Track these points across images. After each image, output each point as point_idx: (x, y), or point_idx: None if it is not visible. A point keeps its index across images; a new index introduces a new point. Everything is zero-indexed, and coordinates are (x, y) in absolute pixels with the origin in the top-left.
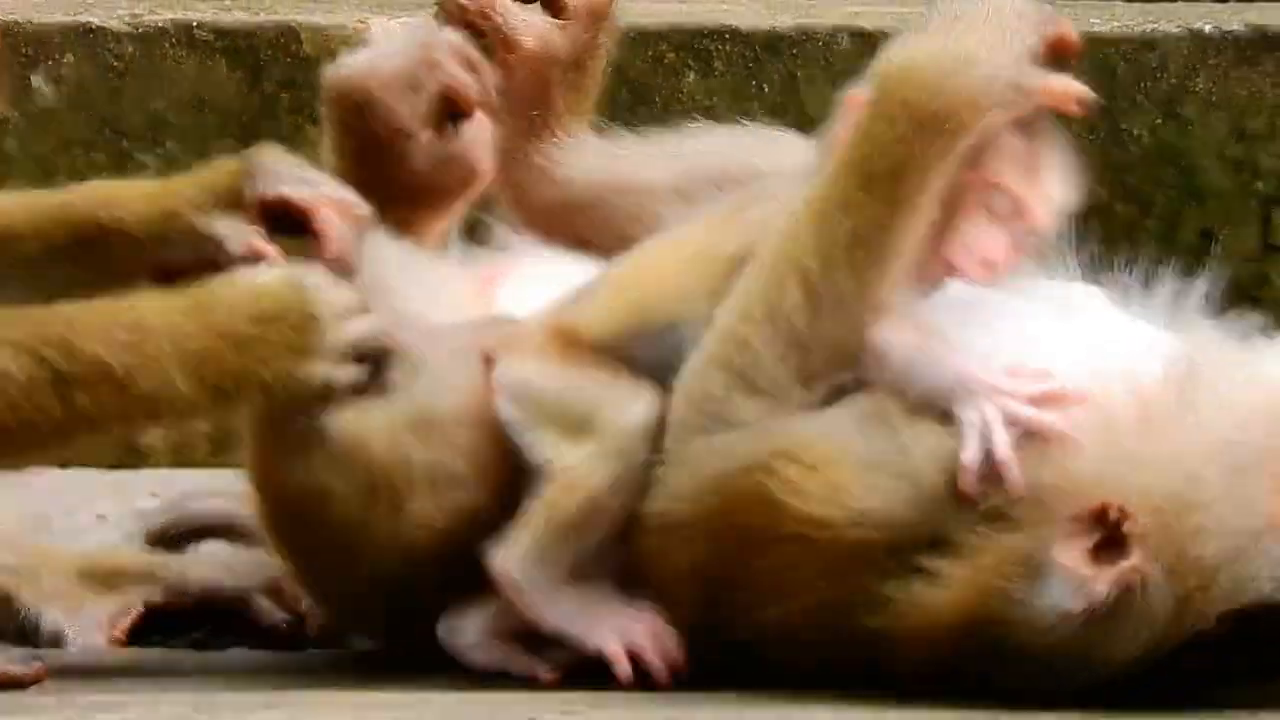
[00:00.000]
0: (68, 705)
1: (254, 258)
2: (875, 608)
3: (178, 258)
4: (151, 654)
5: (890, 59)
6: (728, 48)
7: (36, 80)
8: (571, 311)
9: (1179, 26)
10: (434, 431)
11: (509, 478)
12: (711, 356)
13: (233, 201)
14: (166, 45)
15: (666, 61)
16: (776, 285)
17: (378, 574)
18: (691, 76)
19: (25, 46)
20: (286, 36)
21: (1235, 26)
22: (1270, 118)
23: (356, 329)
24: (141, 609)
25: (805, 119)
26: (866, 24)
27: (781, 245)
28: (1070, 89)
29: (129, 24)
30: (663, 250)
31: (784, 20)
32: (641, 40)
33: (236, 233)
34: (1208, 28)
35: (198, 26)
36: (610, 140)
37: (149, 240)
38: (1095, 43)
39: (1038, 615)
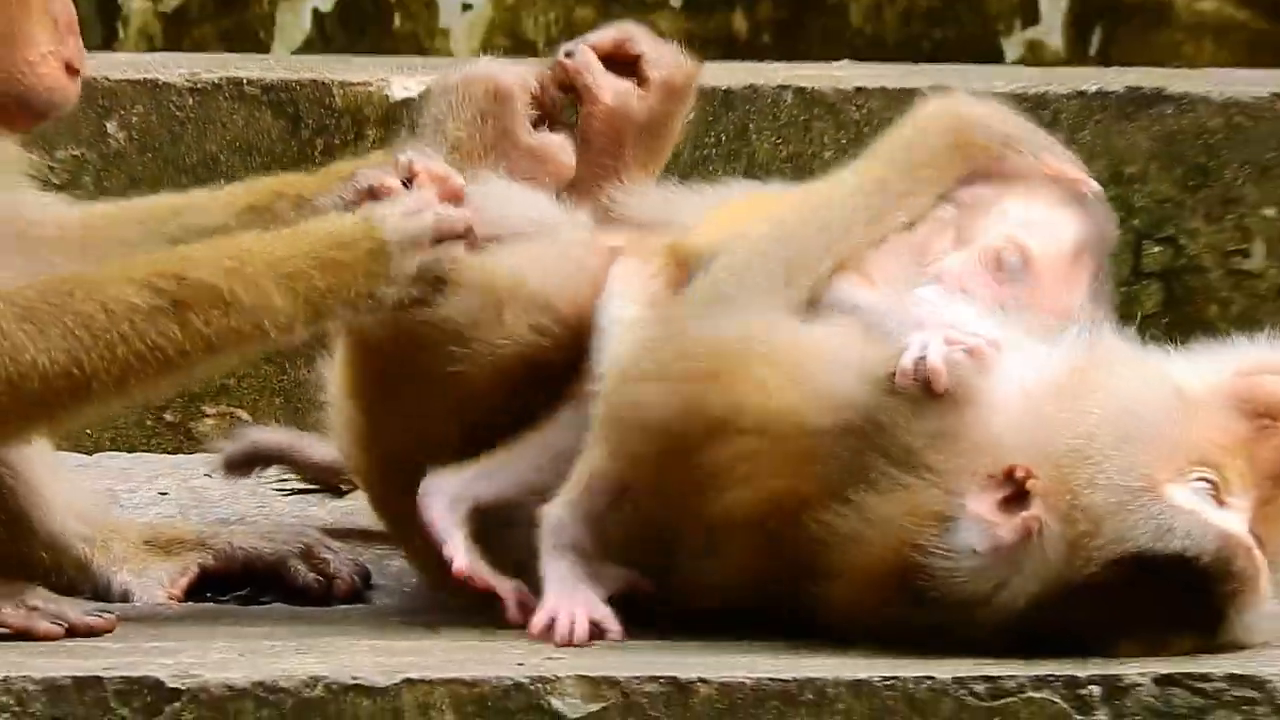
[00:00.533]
0: (134, 650)
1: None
2: (814, 529)
3: None
4: (204, 608)
5: (951, 100)
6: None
7: (110, 127)
8: (682, 235)
9: (1068, 88)
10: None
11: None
12: (730, 257)
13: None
14: (220, 98)
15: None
16: (800, 218)
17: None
18: None
19: (101, 98)
20: (321, 91)
21: (1115, 88)
22: (1144, 164)
23: (422, 257)
24: (196, 571)
25: (754, 164)
26: (806, 83)
27: (818, 191)
28: (1069, 169)
29: (188, 80)
30: (747, 201)
31: (738, 79)
32: None
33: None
34: (1092, 88)
35: (247, 83)
36: (663, 189)
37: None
38: (997, 100)
39: (949, 556)
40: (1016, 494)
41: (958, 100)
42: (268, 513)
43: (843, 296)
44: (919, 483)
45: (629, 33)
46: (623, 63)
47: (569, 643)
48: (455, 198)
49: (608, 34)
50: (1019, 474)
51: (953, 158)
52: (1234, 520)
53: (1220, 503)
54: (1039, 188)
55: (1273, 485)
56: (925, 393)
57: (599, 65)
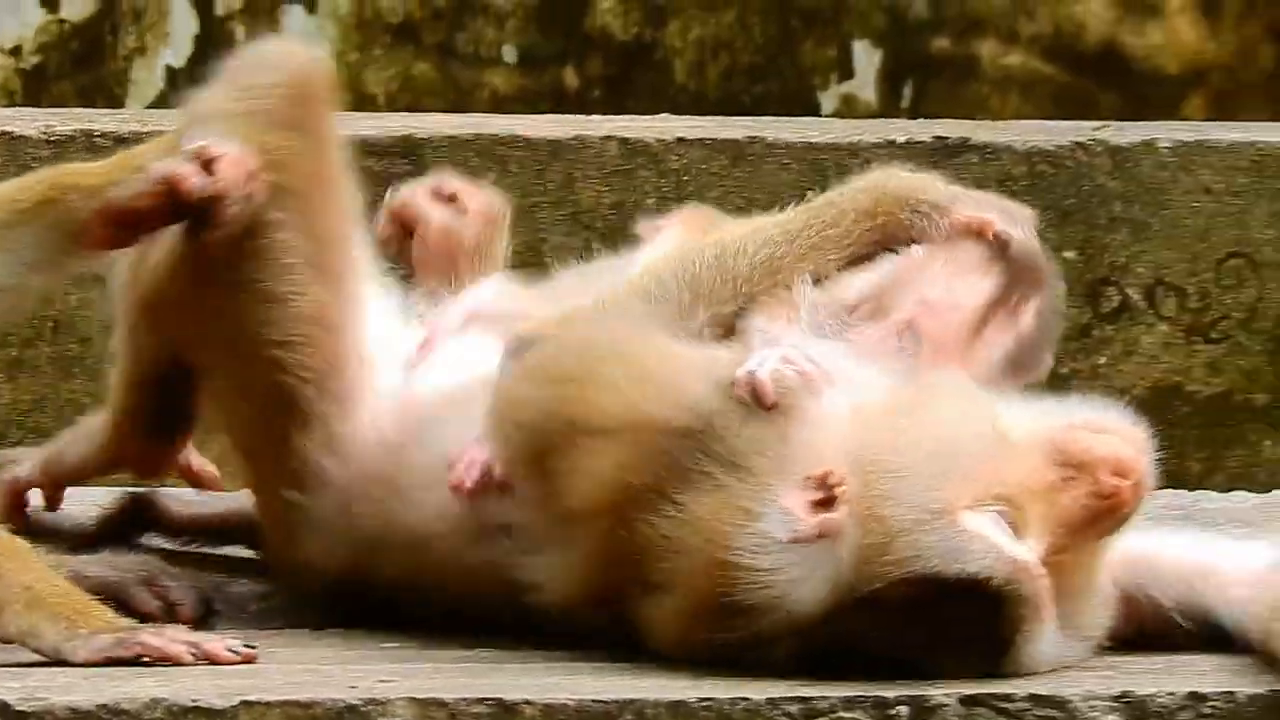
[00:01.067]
0: None
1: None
2: (645, 532)
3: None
4: None
5: (884, 171)
6: (519, 153)
7: None
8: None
9: (879, 138)
10: None
11: None
12: (631, 281)
13: None
14: (73, 150)
15: (472, 164)
16: (706, 255)
17: None
18: (492, 176)
19: None
20: None
21: (923, 137)
22: None
23: None
24: None
25: (580, 211)
26: (630, 134)
27: (733, 232)
28: (982, 221)
29: (43, 133)
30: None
31: (565, 130)
32: (452, 147)
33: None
34: (901, 138)
35: (99, 135)
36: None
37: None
38: (811, 149)
39: (755, 550)
40: (827, 499)
41: (890, 171)
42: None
43: (748, 328)
44: (737, 484)
45: (443, 178)
46: (444, 199)
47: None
48: (254, 181)
49: (426, 181)
50: (831, 479)
51: (862, 222)
52: (1027, 551)
53: (1017, 537)
54: (958, 253)
55: (1066, 534)
56: (755, 402)
57: (426, 197)
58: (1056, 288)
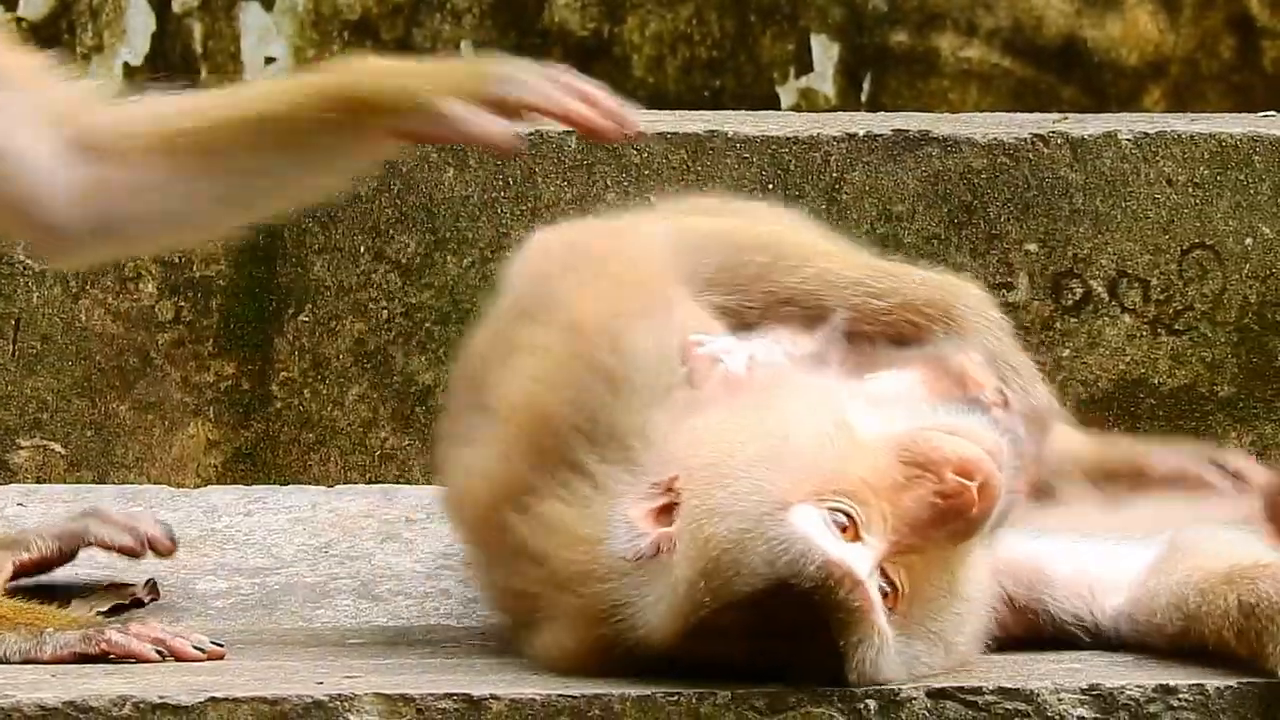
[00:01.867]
0: None
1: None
2: (522, 532)
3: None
4: None
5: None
6: (479, 148)
7: None
8: None
9: (838, 131)
10: None
11: None
12: None
13: (473, 94)
14: None
15: (431, 160)
16: (769, 259)
17: None
18: (451, 172)
19: None
20: None
21: (883, 130)
22: (912, 203)
23: None
24: (11, 567)
25: (540, 206)
26: None
27: (799, 249)
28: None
29: None
30: None
31: (523, 125)
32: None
33: (471, 115)
34: (861, 131)
35: None
36: None
37: (397, 113)
38: (771, 143)
39: (607, 562)
40: (670, 504)
41: (959, 283)
42: None
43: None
44: (593, 493)
45: None
46: None
47: None
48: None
49: None
50: (676, 485)
51: (905, 310)
52: (855, 553)
53: (854, 536)
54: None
55: (914, 535)
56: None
57: None
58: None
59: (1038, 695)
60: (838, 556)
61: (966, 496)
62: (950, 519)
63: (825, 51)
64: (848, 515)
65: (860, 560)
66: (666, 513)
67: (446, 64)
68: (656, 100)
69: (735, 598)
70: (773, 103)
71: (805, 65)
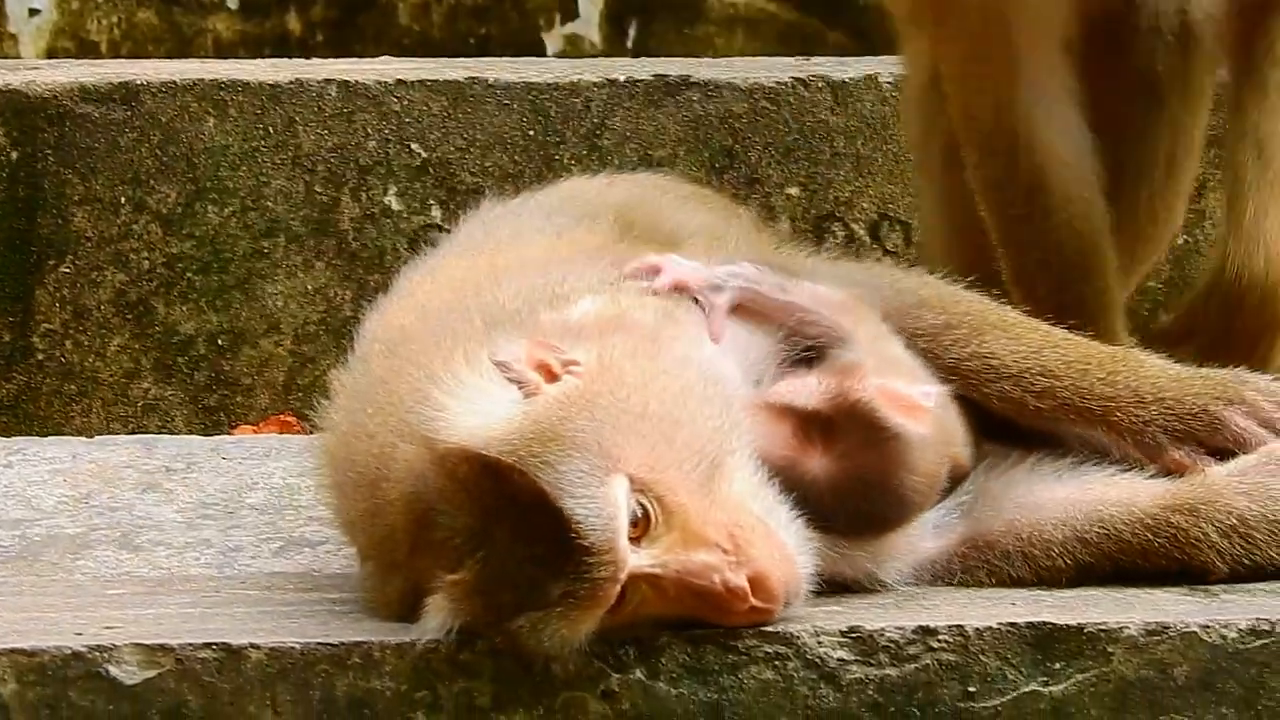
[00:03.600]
0: None
1: None
2: None
3: None
4: None
5: None
6: (239, 97)
7: None
8: None
9: (599, 76)
10: None
11: None
12: None
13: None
14: None
15: (191, 109)
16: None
17: None
18: (211, 121)
19: None
20: None
21: (643, 75)
22: (673, 148)
23: None
24: None
25: (302, 155)
26: (350, 77)
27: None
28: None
29: None
30: None
31: (284, 74)
32: (172, 93)
33: None
34: (622, 77)
35: None
36: None
37: None
38: (532, 89)
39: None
40: (549, 376)
41: None
42: None
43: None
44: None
45: None
46: None
47: None
48: None
49: None
50: (570, 367)
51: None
52: (628, 550)
53: (639, 536)
54: None
55: (671, 587)
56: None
57: None
58: None
59: (797, 638)
60: (622, 548)
61: (736, 605)
62: (709, 602)
63: None
64: (647, 518)
65: (630, 559)
66: (546, 376)
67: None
68: (422, 48)
69: (522, 495)
70: (539, 50)
71: (571, 12)
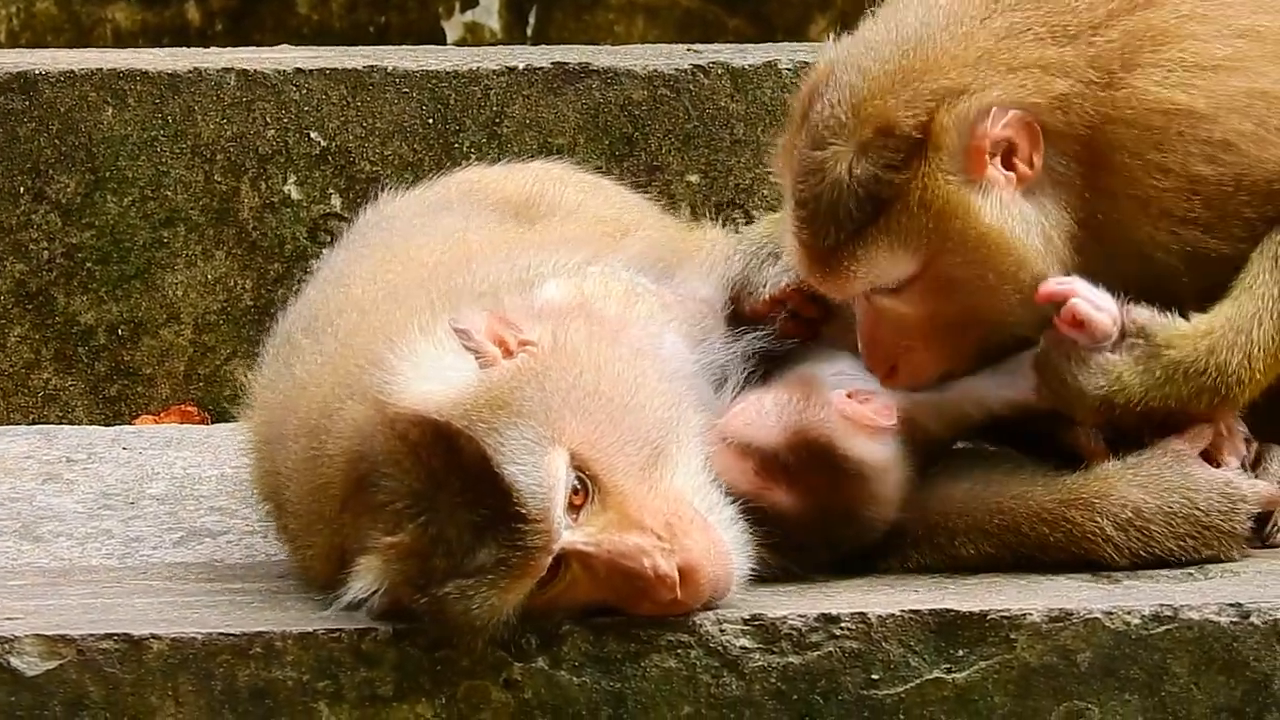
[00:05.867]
0: None
1: None
2: None
3: None
4: None
5: None
6: (138, 87)
7: None
8: None
9: (498, 64)
10: None
11: None
12: None
13: None
14: None
15: (90, 100)
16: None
17: None
18: (110, 111)
19: None
20: None
21: (542, 63)
22: (572, 135)
23: None
24: None
25: (201, 144)
26: (249, 66)
27: None
28: None
29: None
30: None
31: (183, 63)
32: (70, 82)
33: None
34: (521, 65)
35: None
36: None
37: None
38: (431, 78)
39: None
40: (505, 350)
41: None
42: None
43: None
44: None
45: None
46: None
47: None
48: None
49: None
50: (525, 345)
51: None
52: (565, 525)
53: (575, 508)
54: None
55: (605, 569)
56: None
57: None
58: None
59: (700, 627)
60: (557, 519)
61: (663, 593)
62: (636, 586)
63: None
64: (586, 494)
65: (564, 532)
66: (504, 352)
67: None
68: (321, 37)
69: (469, 461)
70: (439, 38)
71: (471, 0)
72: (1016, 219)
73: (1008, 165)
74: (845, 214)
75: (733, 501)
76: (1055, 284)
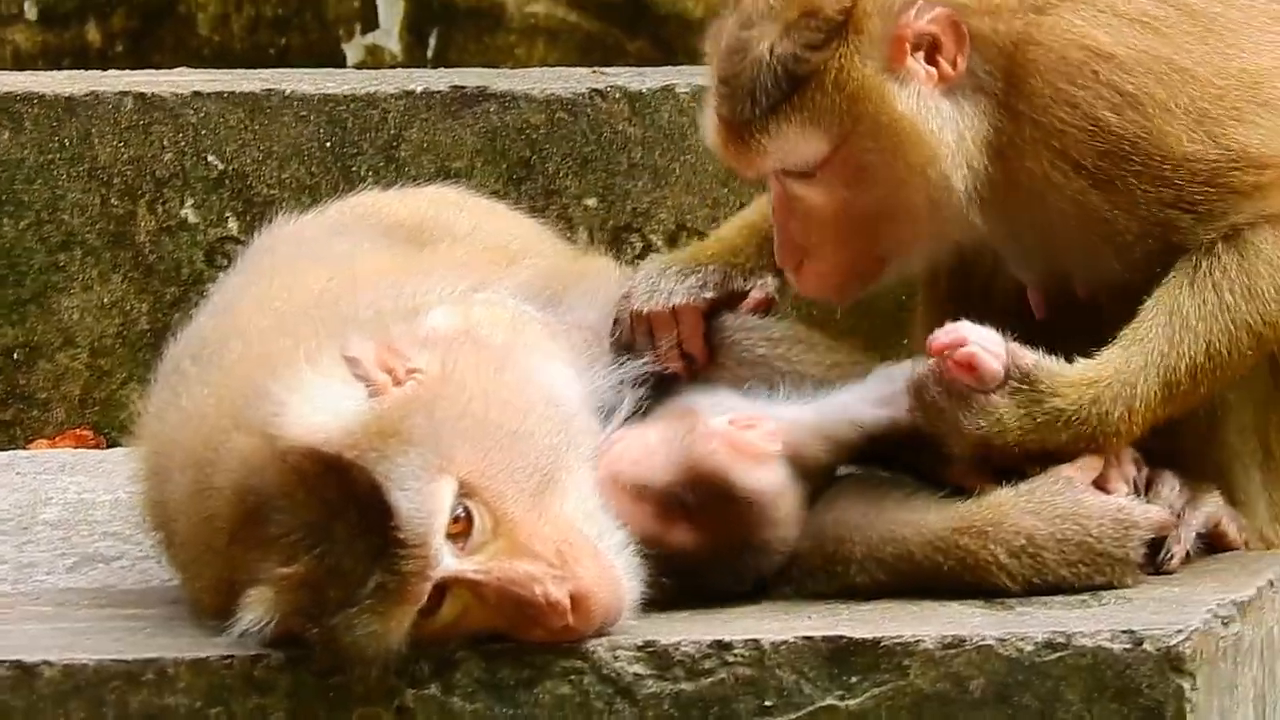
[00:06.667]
0: None
1: None
2: None
3: None
4: None
5: None
6: (35, 109)
7: None
8: None
9: (396, 88)
10: None
11: None
12: None
13: None
14: None
15: None
16: None
17: None
18: (5, 134)
19: None
20: None
21: (440, 87)
22: (470, 159)
23: None
24: None
25: (98, 167)
26: (147, 89)
27: None
28: None
29: None
30: None
31: (81, 86)
32: None
33: None
34: (419, 88)
35: None
36: None
37: None
38: (329, 101)
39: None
40: (394, 379)
41: None
42: None
43: None
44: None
45: None
46: None
47: None
48: None
49: None
50: (413, 372)
51: None
52: (448, 552)
53: (460, 535)
54: None
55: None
56: None
57: None
58: None
59: (593, 653)
60: (436, 545)
61: (555, 620)
62: (528, 614)
63: (390, 8)
64: (474, 520)
65: (444, 557)
66: (393, 380)
67: None
68: (222, 59)
69: (361, 491)
70: (339, 60)
71: (371, 22)
72: (932, 113)
73: (930, 61)
74: (762, 90)
75: (636, 546)
76: (944, 335)
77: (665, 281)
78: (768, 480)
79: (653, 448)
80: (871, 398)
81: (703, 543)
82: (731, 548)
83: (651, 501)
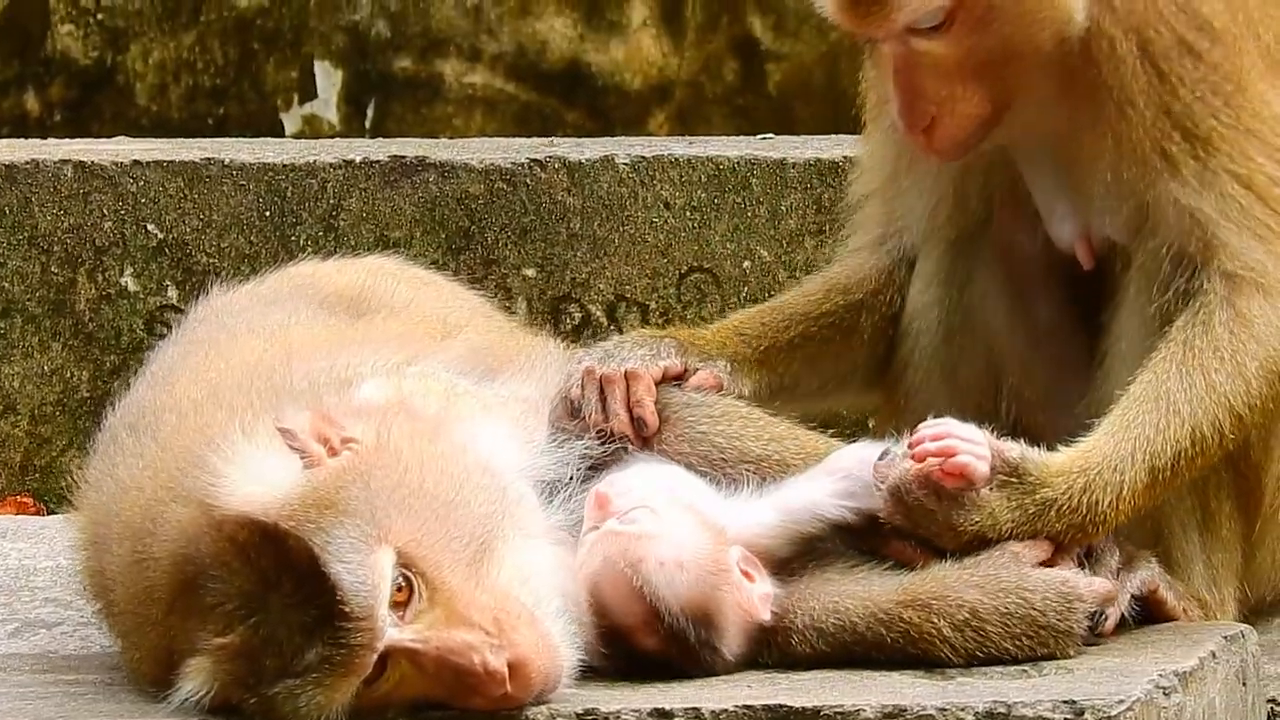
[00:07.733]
0: None
1: None
2: None
3: None
4: None
5: None
6: None
7: None
8: None
9: (335, 157)
10: None
11: None
12: None
13: None
14: None
15: None
16: None
17: None
18: None
19: None
20: None
21: (379, 157)
22: (409, 228)
23: None
24: None
25: (38, 236)
26: (86, 158)
27: None
28: None
29: None
30: None
31: (20, 154)
32: None
33: None
34: (358, 158)
35: None
36: None
37: None
38: (268, 170)
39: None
40: (329, 450)
41: None
42: None
43: None
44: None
45: None
46: None
47: None
48: None
49: None
50: (349, 443)
51: None
52: (390, 623)
53: (401, 605)
54: None
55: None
56: None
57: None
58: None
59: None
60: (381, 617)
61: (493, 688)
62: (466, 683)
63: (329, 78)
64: (412, 590)
65: (389, 629)
66: (328, 451)
67: None
68: (160, 128)
69: (298, 561)
70: (278, 130)
71: (309, 92)
72: None
73: None
74: None
75: (602, 632)
76: (929, 440)
77: (620, 350)
78: (754, 619)
79: (685, 564)
80: (838, 491)
81: (668, 650)
82: (692, 656)
83: (644, 608)
